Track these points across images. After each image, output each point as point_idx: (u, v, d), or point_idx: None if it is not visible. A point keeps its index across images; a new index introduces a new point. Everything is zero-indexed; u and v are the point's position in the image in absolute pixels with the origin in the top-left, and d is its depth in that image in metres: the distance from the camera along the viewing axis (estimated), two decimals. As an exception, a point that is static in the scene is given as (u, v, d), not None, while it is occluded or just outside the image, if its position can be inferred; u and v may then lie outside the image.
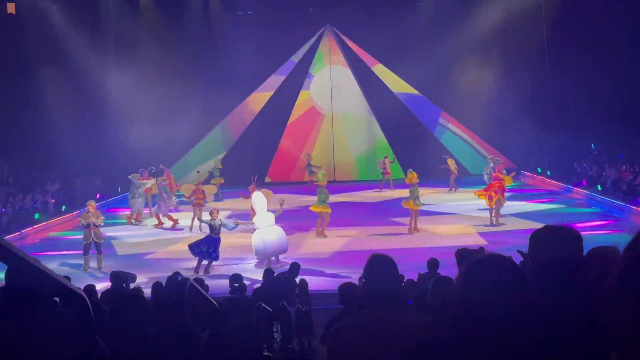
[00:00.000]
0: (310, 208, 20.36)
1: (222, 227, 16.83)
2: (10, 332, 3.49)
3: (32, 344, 3.43)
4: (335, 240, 20.01)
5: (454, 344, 2.38)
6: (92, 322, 2.62)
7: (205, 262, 16.72)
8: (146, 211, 24.19)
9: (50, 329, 3.48)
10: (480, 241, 18.02)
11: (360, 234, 20.83)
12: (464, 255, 6.35)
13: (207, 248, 16.56)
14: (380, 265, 3.83)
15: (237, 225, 17.60)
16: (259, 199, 17.71)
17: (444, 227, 21.20)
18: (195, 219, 21.40)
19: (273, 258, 17.17)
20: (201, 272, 16.18)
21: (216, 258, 16.72)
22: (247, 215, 19.58)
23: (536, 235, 3.12)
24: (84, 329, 2.62)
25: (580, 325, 2.55)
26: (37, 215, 24.05)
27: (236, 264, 17.28)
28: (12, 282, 3.64)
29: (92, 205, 17.82)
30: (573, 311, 2.64)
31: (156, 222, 23.19)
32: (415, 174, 20.20)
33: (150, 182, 23.91)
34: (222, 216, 18.25)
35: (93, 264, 17.33)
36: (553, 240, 3.03)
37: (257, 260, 17.37)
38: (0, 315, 3.82)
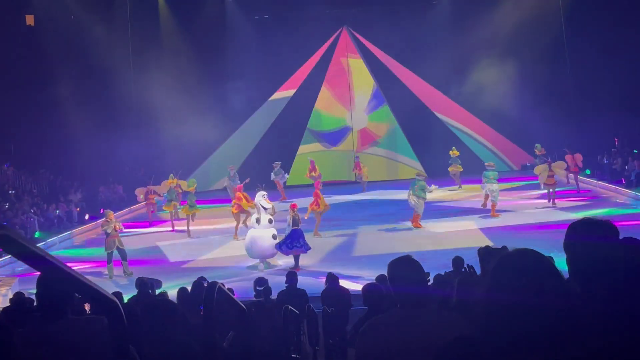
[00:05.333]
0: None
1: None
2: (43, 338, 3.51)
3: (65, 351, 3.44)
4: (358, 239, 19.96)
5: (484, 341, 2.35)
6: (125, 329, 2.61)
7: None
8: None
9: (83, 336, 3.50)
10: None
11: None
12: (487, 253, 6.28)
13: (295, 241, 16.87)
14: (403, 266, 3.83)
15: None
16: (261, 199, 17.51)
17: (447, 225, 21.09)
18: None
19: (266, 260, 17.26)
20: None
21: (307, 249, 16.98)
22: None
23: (573, 228, 3.01)
24: (118, 336, 2.61)
25: (619, 321, 2.48)
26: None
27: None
28: (44, 289, 3.66)
29: (111, 214, 17.88)
30: (610, 306, 2.57)
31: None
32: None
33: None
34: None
35: (117, 272, 17.40)
36: (590, 233, 2.92)
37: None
38: (32, 321, 3.85)
